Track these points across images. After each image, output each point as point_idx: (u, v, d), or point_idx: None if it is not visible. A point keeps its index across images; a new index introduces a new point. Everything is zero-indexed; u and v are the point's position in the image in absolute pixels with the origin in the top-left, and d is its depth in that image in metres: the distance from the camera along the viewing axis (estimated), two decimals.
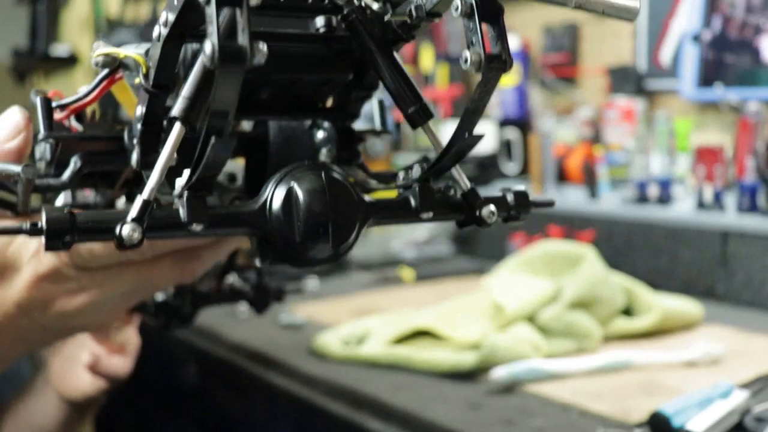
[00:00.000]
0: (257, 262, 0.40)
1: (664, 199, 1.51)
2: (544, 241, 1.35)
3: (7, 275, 0.48)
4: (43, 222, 0.35)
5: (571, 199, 1.68)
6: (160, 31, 0.37)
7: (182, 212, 0.36)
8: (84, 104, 0.45)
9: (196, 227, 0.36)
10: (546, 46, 1.97)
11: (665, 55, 1.71)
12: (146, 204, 0.36)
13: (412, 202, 0.42)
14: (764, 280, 1.33)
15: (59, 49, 2.19)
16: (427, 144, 2.18)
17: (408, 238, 1.83)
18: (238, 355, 1.23)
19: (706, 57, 1.59)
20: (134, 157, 0.42)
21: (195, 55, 0.42)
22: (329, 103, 0.49)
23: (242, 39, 0.30)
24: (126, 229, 0.35)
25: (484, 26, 0.36)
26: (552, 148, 1.75)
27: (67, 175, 0.46)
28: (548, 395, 0.95)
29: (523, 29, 2.02)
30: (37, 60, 2.20)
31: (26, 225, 0.36)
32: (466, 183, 0.44)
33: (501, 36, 0.36)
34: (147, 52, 0.40)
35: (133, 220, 0.35)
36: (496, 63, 0.35)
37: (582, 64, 1.92)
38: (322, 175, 0.38)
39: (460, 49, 2.16)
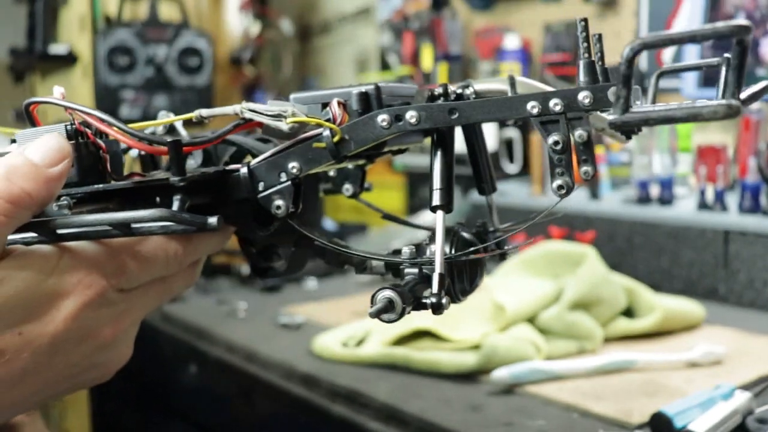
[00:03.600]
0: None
1: (666, 199, 1.50)
2: (545, 242, 1.34)
3: (45, 309, 0.43)
4: (399, 301, 0.44)
5: (572, 199, 1.67)
6: (390, 122, 0.45)
7: (445, 299, 0.45)
8: (209, 144, 0.49)
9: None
10: (546, 46, 1.96)
11: (667, 55, 1.70)
12: (442, 277, 0.45)
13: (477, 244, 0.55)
14: (766, 281, 1.32)
15: (57, 48, 2.17)
16: (428, 144, 2.17)
17: (408, 238, 1.82)
18: (237, 356, 1.23)
19: (707, 57, 1.58)
20: (281, 204, 0.48)
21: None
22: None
23: (573, 178, 0.44)
24: (445, 300, 0.45)
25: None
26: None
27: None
28: (549, 396, 0.94)
29: (524, 28, 2.02)
30: (35, 59, 2.19)
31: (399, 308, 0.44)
32: (499, 234, 0.57)
33: (593, 158, 0.47)
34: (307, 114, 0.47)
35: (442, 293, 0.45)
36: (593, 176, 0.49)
37: None
38: (466, 234, 0.50)
39: (459, 49, 2.15)
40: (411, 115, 0.45)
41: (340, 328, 1.20)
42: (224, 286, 1.64)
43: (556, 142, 0.43)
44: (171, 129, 0.51)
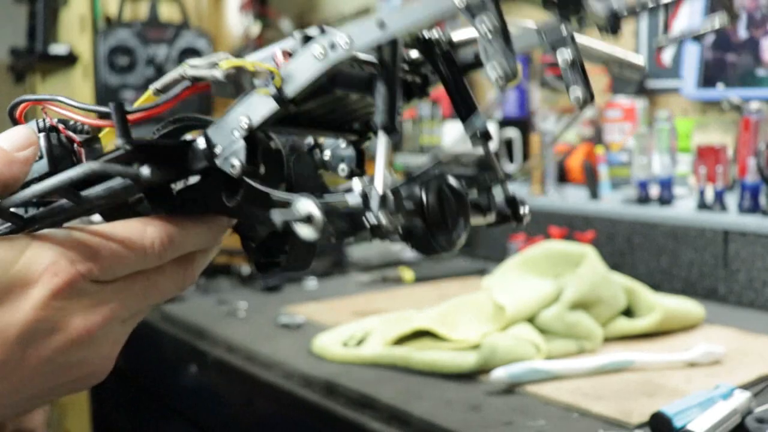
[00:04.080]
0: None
1: (666, 199, 1.50)
2: (545, 242, 1.34)
3: (13, 296, 0.43)
4: (320, 216, 0.40)
5: (572, 199, 1.68)
6: (325, 51, 0.42)
7: (384, 218, 0.42)
8: (157, 111, 0.47)
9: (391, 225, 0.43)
10: None
11: (667, 55, 1.70)
12: (383, 198, 0.42)
13: (482, 203, 0.53)
14: (766, 281, 1.32)
15: (58, 49, 2.18)
16: (429, 144, 2.17)
17: None
18: (238, 356, 1.23)
19: (707, 57, 1.58)
20: (236, 163, 0.46)
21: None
22: (356, 126, 0.56)
23: (513, 63, 0.41)
24: (385, 222, 0.41)
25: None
26: (553, 148, 1.74)
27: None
28: (549, 396, 0.94)
29: None
30: (36, 59, 2.19)
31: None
32: (510, 192, 0.54)
33: (585, 81, 0.46)
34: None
35: (381, 208, 0.41)
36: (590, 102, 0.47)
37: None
38: (451, 178, 0.48)
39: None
40: (341, 38, 0.43)
41: (340, 328, 1.20)
42: (224, 286, 1.64)
43: (487, 31, 0.41)
44: None
